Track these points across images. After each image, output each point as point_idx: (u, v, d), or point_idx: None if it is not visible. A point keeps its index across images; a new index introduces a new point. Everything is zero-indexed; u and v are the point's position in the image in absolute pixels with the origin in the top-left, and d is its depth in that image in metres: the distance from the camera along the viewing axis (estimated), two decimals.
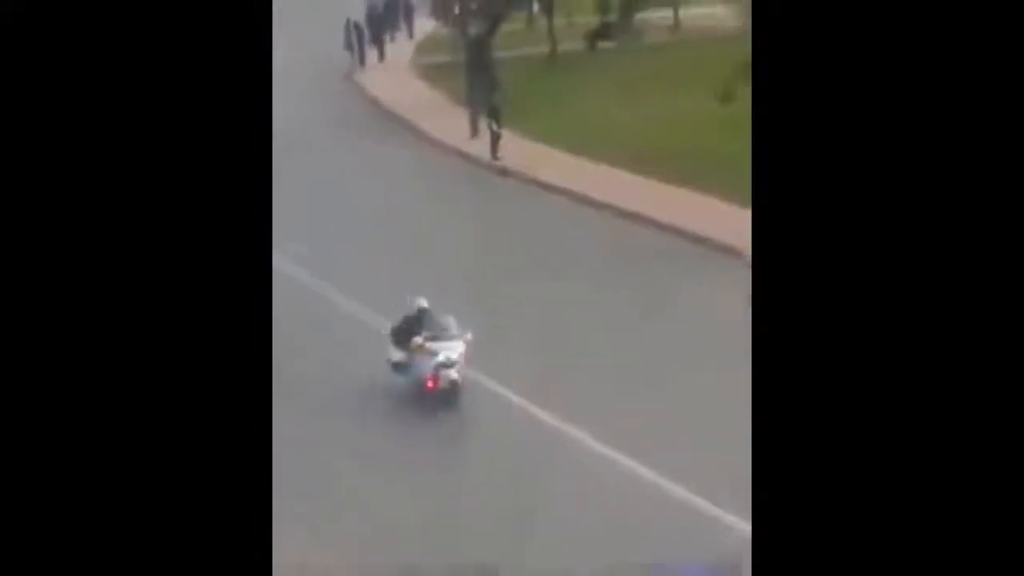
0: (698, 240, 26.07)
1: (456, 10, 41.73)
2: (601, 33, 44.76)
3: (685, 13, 46.64)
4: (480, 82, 36.67)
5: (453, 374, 17.76)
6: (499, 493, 16.64)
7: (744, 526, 14.98)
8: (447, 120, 37.75)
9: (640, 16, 45.01)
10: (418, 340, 17.99)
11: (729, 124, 28.75)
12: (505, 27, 42.39)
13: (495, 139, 33.12)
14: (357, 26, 45.54)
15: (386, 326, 19.03)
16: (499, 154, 32.77)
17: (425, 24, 49.89)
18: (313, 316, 22.33)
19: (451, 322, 18.30)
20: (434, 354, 17.86)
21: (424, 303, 18.43)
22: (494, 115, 33.62)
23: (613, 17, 45.10)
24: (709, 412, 18.33)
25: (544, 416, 18.55)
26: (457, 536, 15.87)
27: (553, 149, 34.08)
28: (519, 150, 33.47)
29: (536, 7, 46.18)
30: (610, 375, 20.17)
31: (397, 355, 18.45)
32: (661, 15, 46.27)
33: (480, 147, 33.83)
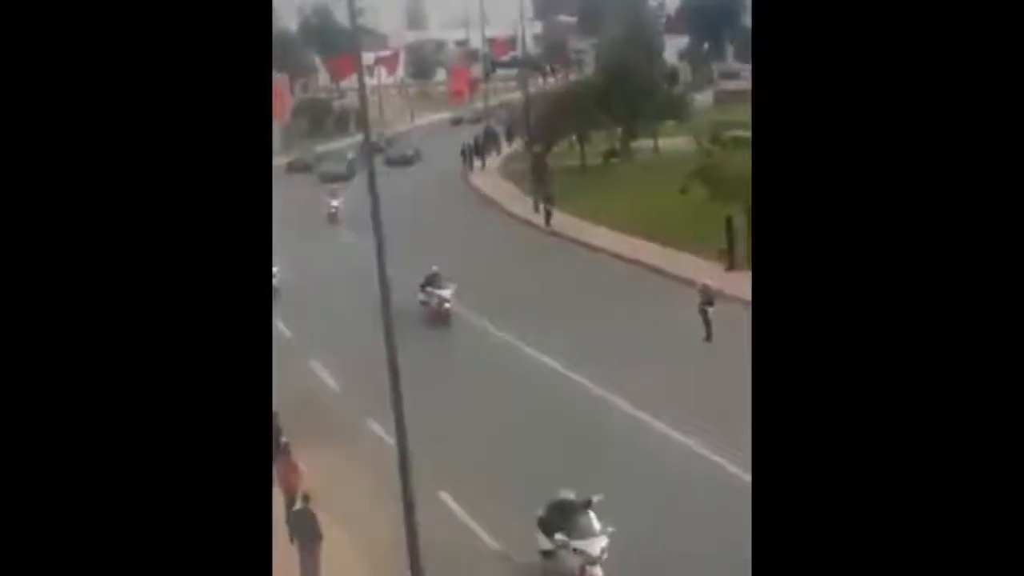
0: (657, 271, 34.30)
1: (525, 138, 55.05)
2: (611, 153, 57.03)
3: (661, 142, 57.47)
4: (539, 180, 46.83)
5: (598, 572, 16.74)
6: None
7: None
8: (519, 203, 48.27)
9: (634, 144, 57.95)
10: (561, 538, 16.90)
11: (685, 207, 35.99)
12: (555, 149, 55.26)
13: (548, 214, 43.79)
14: (469, 148, 63.90)
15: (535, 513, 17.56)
16: (551, 223, 43.05)
17: (507, 147, 67.51)
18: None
19: (592, 519, 17.04)
20: (580, 552, 16.79)
21: (571, 495, 17.26)
22: (548, 200, 44.10)
23: (618, 145, 57.74)
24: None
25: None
26: None
27: (582, 220, 42.81)
28: (561, 220, 43.40)
29: (575, 138, 57.95)
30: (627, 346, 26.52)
31: (545, 543, 17.21)
32: (647, 143, 58.68)
33: (538, 219, 44.36)
